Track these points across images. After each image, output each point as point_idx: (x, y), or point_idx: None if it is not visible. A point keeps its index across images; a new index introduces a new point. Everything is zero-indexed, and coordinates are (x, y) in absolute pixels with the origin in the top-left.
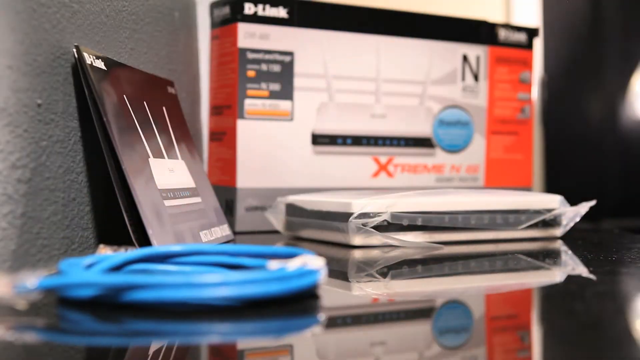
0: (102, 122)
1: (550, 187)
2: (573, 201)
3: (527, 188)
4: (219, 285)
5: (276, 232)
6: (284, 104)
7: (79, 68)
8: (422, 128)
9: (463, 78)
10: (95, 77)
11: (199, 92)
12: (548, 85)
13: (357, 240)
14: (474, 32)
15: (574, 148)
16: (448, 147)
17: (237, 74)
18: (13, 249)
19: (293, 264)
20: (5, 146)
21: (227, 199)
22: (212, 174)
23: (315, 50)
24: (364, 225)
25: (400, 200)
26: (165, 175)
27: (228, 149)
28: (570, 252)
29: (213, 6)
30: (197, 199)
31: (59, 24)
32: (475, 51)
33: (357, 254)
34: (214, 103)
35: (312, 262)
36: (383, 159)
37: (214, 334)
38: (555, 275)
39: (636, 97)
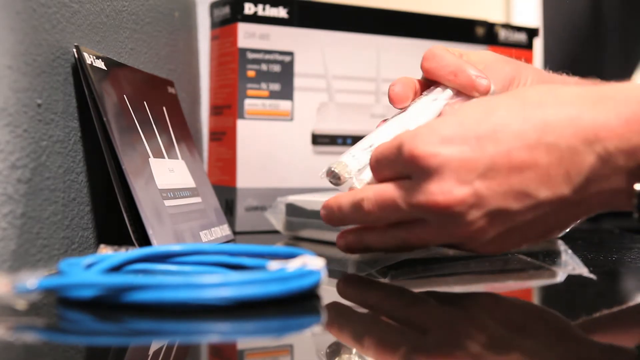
0: (102, 122)
1: None
2: None
3: None
4: (219, 286)
5: (276, 232)
6: (284, 104)
7: (79, 68)
8: None
9: None
10: (95, 77)
11: (199, 92)
12: None
13: None
14: (474, 32)
15: None
16: None
17: (237, 74)
18: (13, 249)
19: (293, 265)
20: (5, 146)
21: (227, 199)
22: (212, 174)
23: (315, 50)
24: None
25: None
26: (166, 175)
27: (228, 149)
28: (570, 252)
29: (213, 6)
30: (197, 199)
31: (59, 24)
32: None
33: (357, 254)
34: (214, 103)
35: (312, 263)
36: None
37: (214, 333)
38: (555, 275)
39: None
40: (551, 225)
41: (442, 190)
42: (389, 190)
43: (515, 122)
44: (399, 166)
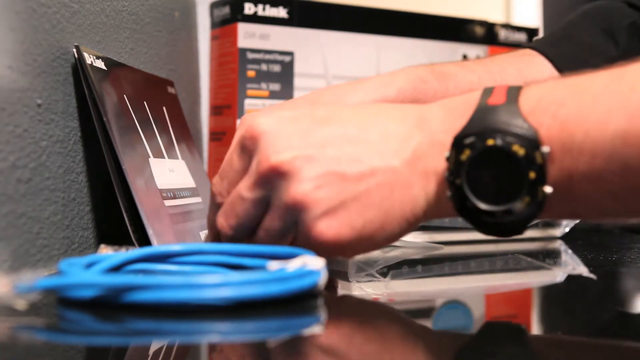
0: (102, 122)
1: None
2: None
3: None
4: (219, 286)
5: None
6: None
7: (79, 68)
8: None
9: None
10: (95, 77)
11: (199, 92)
12: None
13: None
14: (474, 32)
15: None
16: None
17: (237, 74)
18: (13, 249)
19: (293, 265)
20: (5, 146)
21: None
22: (212, 174)
23: (315, 50)
24: None
25: None
26: (166, 175)
27: (228, 149)
28: (570, 252)
29: (213, 6)
30: (198, 199)
31: (59, 24)
32: (475, 51)
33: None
34: (214, 103)
35: (312, 263)
36: None
37: (214, 333)
38: (555, 275)
39: None
40: (386, 206)
41: (276, 151)
42: (239, 178)
43: (348, 109)
44: (240, 150)
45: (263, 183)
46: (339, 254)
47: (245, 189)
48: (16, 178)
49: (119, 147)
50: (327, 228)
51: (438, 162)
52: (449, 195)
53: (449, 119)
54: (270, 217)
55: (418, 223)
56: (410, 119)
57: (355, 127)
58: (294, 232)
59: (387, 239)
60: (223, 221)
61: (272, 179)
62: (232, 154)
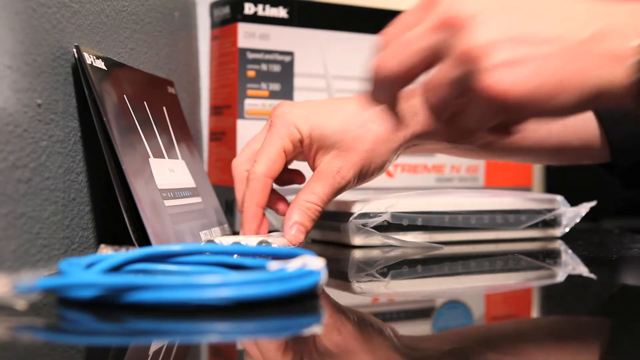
0: (102, 122)
1: (550, 187)
2: (573, 201)
3: (527, 188)
4: (219, 286)
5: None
6: None
7: (79, 68)
8: None
9: None
10: (95, 77)
11: (199, 92)
12: None
13: (357, 240)
14: None
15: None
16: None
17: (237, 74)
18: (13, 249)
19: (293, 265)
20: (5, 146)
21: (227, 199)
22: (212, 174)
23: (315, 50)
24: (363, 225)
25: (400, 201)
26: (166, 175)
27: (228, 149)
28: (570, 252)
29: (213, 6)
30: (198, 199)
31: (59, 24)
32: None
33: (357, 254)
34: (214, 103)
35: (313, 263)
36: None
37: (214, 333)
38: (555, 275)
39: None
40: (563, 73)
41: (460, 2)
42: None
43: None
44: (423, 6)
45: (444, 28)
46: (508, 113)
47: (423, 30)
48: (16, 178)
49: (119, 147)
50: (501, 81)
51: (619, 46)
52: (636, 78)
53: (634, 17)
54: (444, 65)
55: (591, 102)
56: (593, 13)
57: (539, 6)
58: (467, 86)
59: (562, 106)
60: (388, 58)
61: (454, 25)
62: (414, 7)
